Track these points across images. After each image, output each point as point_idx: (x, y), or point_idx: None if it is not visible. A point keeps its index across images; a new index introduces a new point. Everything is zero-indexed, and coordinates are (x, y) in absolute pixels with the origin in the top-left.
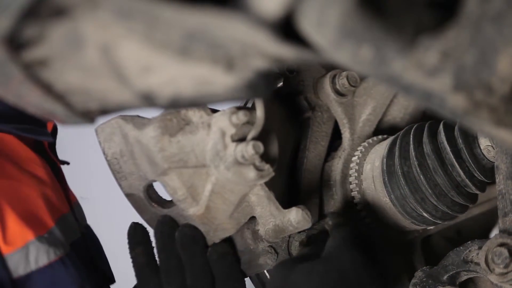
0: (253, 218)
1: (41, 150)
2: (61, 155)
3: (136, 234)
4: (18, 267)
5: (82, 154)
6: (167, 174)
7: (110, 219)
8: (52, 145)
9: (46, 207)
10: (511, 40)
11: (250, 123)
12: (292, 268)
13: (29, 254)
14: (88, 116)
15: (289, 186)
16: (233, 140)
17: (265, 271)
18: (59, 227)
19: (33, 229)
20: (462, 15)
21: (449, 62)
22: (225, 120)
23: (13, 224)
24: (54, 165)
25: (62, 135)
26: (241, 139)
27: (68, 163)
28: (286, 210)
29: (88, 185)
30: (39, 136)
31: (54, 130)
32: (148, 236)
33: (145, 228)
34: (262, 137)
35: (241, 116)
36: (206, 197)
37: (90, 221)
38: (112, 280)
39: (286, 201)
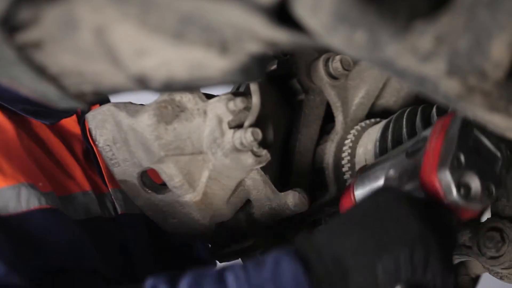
0: (247, 201)
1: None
2: None
3: None
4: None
5: None
6: (164, 162)
7: None
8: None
9: (62, 176)
10: (505, 26)
11: (246, 109)
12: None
13: (20, 195)
14: (81, 99)
15: (281, 169)
16: (230, 127)
17: (257, 253)
18: (65, 198)
19: (29, 177)
20: (457, 1)
21: (443, 47)
22: (222, 107)
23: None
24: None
25: None
26: (238, 126)
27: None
28: (283, 193)
29: None
30: (39, 118)
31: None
32: None
33: None
34: (258, 122)
35: (239, 103)
36: (203, 184)
37: None
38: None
39: (278, 185)
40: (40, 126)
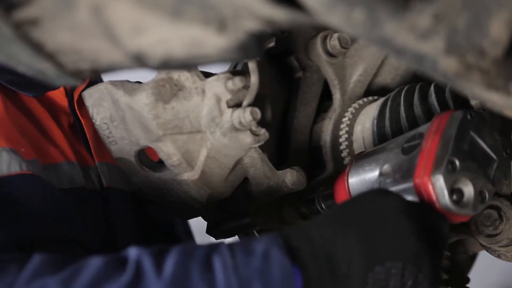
0: (245, 179)
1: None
2: None
3: None
4: None
5: None
6: (162, 141)
7: None
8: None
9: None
10: (504, 4)
11: (245, 88)
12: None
13: (1, 159)
14: (78, 76)
15: (278, 147)
16: (229, 106)
17: (254, 231)
18: (50, 167)
19: (12, 143)
20: None
21: (442, 25)
22: (220, 86)
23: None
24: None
25: None
26: (237, 105)
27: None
28: (280, 171)
29: None
30: (23, 89)
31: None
32: None
33: None
34: (256, 101)
35: (237, 82)
36: (201, 162)
37: None
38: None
39: (276, 163)
40: (28, 97)
